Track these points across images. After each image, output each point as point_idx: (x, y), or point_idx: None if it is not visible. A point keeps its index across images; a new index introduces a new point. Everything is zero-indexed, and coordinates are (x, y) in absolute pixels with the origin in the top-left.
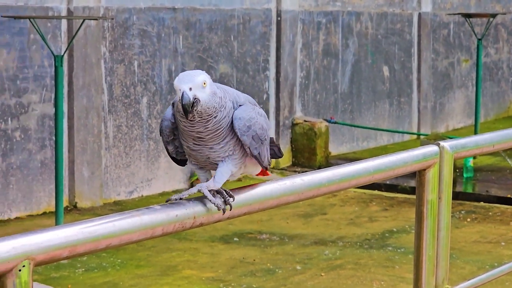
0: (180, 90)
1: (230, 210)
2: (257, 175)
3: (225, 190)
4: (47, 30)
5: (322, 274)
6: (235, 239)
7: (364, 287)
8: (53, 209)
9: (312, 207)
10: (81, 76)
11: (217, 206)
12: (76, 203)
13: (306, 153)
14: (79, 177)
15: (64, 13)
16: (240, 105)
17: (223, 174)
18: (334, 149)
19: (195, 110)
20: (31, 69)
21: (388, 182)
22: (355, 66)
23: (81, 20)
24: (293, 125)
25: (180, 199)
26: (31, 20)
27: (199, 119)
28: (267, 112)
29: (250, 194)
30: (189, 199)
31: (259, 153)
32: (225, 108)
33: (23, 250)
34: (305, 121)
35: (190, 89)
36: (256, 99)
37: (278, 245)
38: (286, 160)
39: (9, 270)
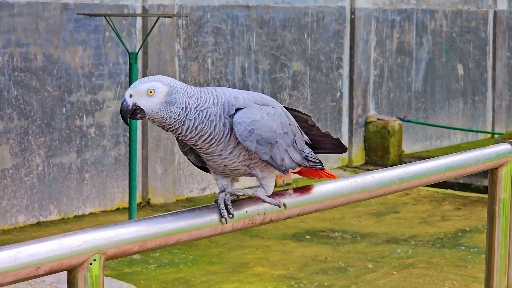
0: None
1: (226, 223)
2: (323, 177)
3: (226, 206)
4: (122, 28)
5: (394, 272)
6: (307, 237)
7: (436, 286)
8: (127, 205)
9: (384, 206)
10: (155, 73)
11: (277, 205)
12: (149, 199)
13: (379, 152)
14: (152, 173)
15: (139, 10)
16: (238, 108)
17: (269, 185)
18: (408, 148)
19: (141, 118)
20: (106, 66)
21: (461, 181)
22: (429, 64)
23: (156, 18)
24: (367, 123)
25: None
26: (107, 17)
27: (168, 127)
28: (340, 110)
29: (320, 191)
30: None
31: (271, 157)
32: (199, 114)
33: (94, 244)
34: (378, 119)
35: (131, 96)
36: (329, 97)
37: (350, 243)
38: (359, 158)
39: (80, 263)
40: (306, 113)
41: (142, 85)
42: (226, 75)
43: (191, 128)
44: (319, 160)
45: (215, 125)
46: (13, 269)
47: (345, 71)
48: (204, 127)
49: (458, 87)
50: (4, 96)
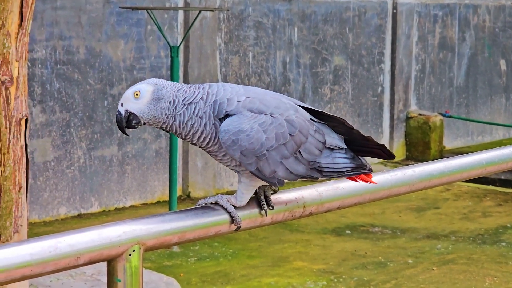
0: None
1: (266, 215)
2: (359, 180)
3: (266, 198)
4: (164, 21)
5: (434, 268)
6: (347, 231)
7: (476, 282)
8: (167, 198)
9: (425, 201)
10: (197, 67)
11: (234, 218)
12: (189, 192)
13: (420, 147)
14: (193, 167)
15: (181, 4)
16: (228, 114)
17: (243, 192)
18: (449, 143)
19: (137, 124)
20: (147, 59)
21: (502, 177)
22: (472, 60)
23: (198, 11)
24: (408, 118)
25: (205, 204)
26: (149, 11)
27: (164, 126)
28: (381, 105)
29: (360, 184)
30: (299, 188)
31: (258, 169)
32: (187, 108)
33: (133, 235)
34: (419, 114)
35: (122, 105)
36: (370, 92)
37: (390, 238)
38: (400, 153)
39: (119, 254)
40: (340, 117)
41: (128, 90)
42: (267, 69)
43: (183, 125)
44: (352, 167)
45: (205, 124)
46: (53, 258)
47: (387, 66)
48: (194, 124)
49: (501, 83)
50: (46, 88)
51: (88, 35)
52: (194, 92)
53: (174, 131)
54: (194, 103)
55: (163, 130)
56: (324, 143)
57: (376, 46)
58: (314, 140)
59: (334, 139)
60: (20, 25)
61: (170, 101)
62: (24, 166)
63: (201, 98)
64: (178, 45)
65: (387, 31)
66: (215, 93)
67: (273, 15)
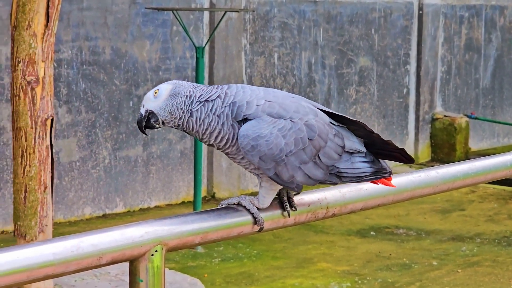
0: None
1: (289, 216)
2: (378, 183)
3: (289, 199)
4: (190, 22)
5: (459, 270)
6: (372, 233)
7: (501, 285)
8: (192, 199)
9: (450, 203)
10: (222, 68)
11: (257, 220)
12: (214, 193)
13: (446, 149)
14: (218, 167)
15: (206, 5)
16: (246, 117)
17: (265, 196)
18: (474, 145)
19: (156, 122)
20: (173, 60)
21: None
22: (498, 61)
23: (223, 12)
24: (433, 120)
25: (228, 205)
26: (174, 12)
27: (180, 127)
28: (406, 107)
29: (383, 186)
30: (322, 189)
31: (276, 174)
32: (204, 105)
33: (155, 235)
34: (445, 116)
35: (143, 106)
36: (396, 94)
37: (414, 240)
38: (425, 155)
39: (142, 254)
40: (361, 121)
41: (149, 92)
42: (293, 70)
43: (199, 121)
44: (372, 171)
45: (223, 123)
46: (76, 258)
47: (412, 67)
48: (211, 122)
49: None
50: (72, 89)
51: (114, 36)
52: (211, 90)
53: (191, 128)
54: (211, 100)
55: (182, 130)
56: (343, 147)
57: (401, 47)
58: (333, 144)
59: (354, 143)
60: (46, 25)
61: (186, 96)
62: (49, 166)
63: (219, 96)
64: (203, 45)
65: (413, 32)
66: (233, 94)
67: (298, 16)
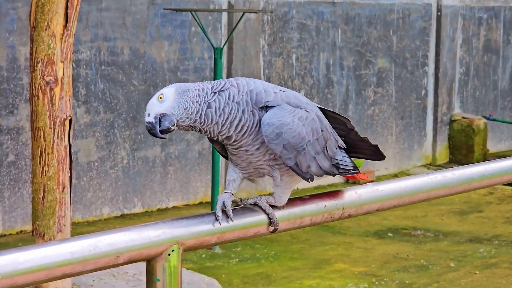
0: None
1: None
2: (356, 178)
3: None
4: (208, 23)
5: (476, 272)
6: (389, 234)
7: None
8: (210, 200)
9: (467, 205)
10: (240, 69)
11: (272, 220)
12: (240, 199)
13: (464, 150)
14: None
15: (225, 6)
16: (268, 105)
17: (281, 195)
18: (493, 147)
19: (172, 124)
20: (191, 61)
21: None
22: None
23: (241, 13)
24: (451, 121)
25: (244, 205)
26: (193, 13)
27: (198, 124)
28: (424, 108)
29: (400, 186)
30: (338, 190)
31: (296, 164)
32: (220, 94)
33: (172, 235)
34: (463, 117)
35: (149, 115)
36: (414, 95)
37: (432, 241)
38: (443, 156)
39: (158, 254)
40: (345, 116)
41: (151, 99)
42: (311, 71)
43: (219, 111)
44: (353, 166)
45: (243, 110)
46: (93, 257)
47: (431, 68)
48: (231, 109)
49: None
50: (91, 89)
51: (132, 37)
52: (221, 83)
53: (210, 120)
54: (227, 89)
55: (197, 127)
56: (338, 141)
57: (420, 49)
58: (333, 138)
59: (340, 139)
60: (65, 26)
61: (198, 89)
62: (67, 166)
63: (232, 85)
64: (221, 46)
65: (431, 33)
66: (246, 84)
67: (317, 17)
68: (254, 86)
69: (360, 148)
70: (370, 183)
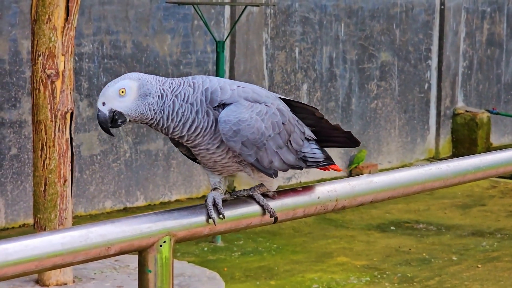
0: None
1: (215, 224)
2: (325, 169)
3: (217, 205)
4: (211, 16)
5: (479, 265)
6: (392, 227)
7: None
8: None
9: (470, 198)
10: (243, 62)
11: (267, 210)
12: (234, 187)
13: (467, 144)
14: None
15: None
16: (224, 103)
17: (270, 180)
18: (496, 140)
19: (123, 123)
20: (194, 54)
21: None
22: None
23: (244, 6)
24: (454, 115)
25: (237, 196)
26: (195, 6)
27: (152, 126)
28: (427, 102)
29: (394, 178)
30: (332, 182)
31: (257, 160)
32: (184, 100)
33: (164, 226)
34: (466, 111)
35: (104, 104)
36: (417, 89)
37: (434, 235)
38: (446, 150)
39: (150, 245)
40: (313, 106)
41: (110, 88)
42: (314, 64)
43: (172, 115)
44: (324, 157)
45: (197, 111)
46: (84, 248)
47: (434, 62)
48: (184, 111)
49: None
50: (93, 83)
51: (135, 30)
52: (180, 83)
53: (161, 125)
54: (183, 90)
55: (147, 125)
56: (304, 133)
57: (423, 42)
58: (298, 130)
59: (308, 130)
60: (66, 19)
61: (159, 96)
62: (69, 159)
63: (189, 85)
64: (224, 40)
65: (435, 27)
66: (201, 83)
67: (320, 10)
68: (209, 84)
69: (333, 136)
70: (364, 174)
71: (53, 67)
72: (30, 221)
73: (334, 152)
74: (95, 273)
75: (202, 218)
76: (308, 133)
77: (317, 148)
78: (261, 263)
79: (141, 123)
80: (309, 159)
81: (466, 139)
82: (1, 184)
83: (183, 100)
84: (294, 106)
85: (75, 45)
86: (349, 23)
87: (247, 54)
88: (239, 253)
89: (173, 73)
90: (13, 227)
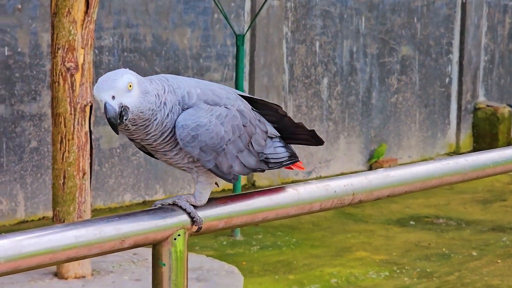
0: (101, 101)
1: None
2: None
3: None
4: (231, 10)
5: (499, 261)
6: (411, 222)
7: None
8: (231, 186)
9: (491, 193)
10: (263, 56)
11: (195, 219)
12: (254, 181)
13: (488, 139)
14: None
15: None
16: (187, 107)
17: (202, 192)
18: None
19: (126, 120)
20: (214, 48)
21: None
22: None
23: (264, 0)
24: (475, 109)
25: (162, 205)
26: (215, 0)
27: (134, 127)
28: (448, 96)
29: (411, 172)
30: (349, 176)
31: (216, 166)
32: (165, 104)
33: (178, 219)
34: (487, 106)
35: (113, 97)
36: (438, 83)
37: (454, 230)
38: (467, 145)
39: (164, 238)
40: (275, 103)
41: (119, 80)
42: (334, 58)
43: (159, 123)
44: (288, 155)
45: (171, 118)
46: (98, 241)
47: (455, 56)
48: (168, 122)
49: None
50: None
51: (155, 23)
52: (163, 87)
53: (146, 131)
54: (167, 98)
55: (124, 130)
56: (266, 132)
57: (444, 36)
58: (260, 131)
59: (271, 128)
60: (86, 12)
61: (155, 95)
62: (88, 152)
63: (170, 91)
64: (244, 33)
65: (456, 21)
66: (177, 88)
67: (340, 4)
68: (182, 90)
69: (297, 134)
70: (381, 168)
71: (72, 60)
72: (50, 214)
73: (354, 147)
74: (113, 266)
75: (217, 211)
76: (271, 130)
77: (281, 146)
78: (279, 257)
79: (132, 124)
80: (272, 160)
81: (487, 134)
82: (21, 177)
83: (170, 110)
84: (256, 103)
85: (95, 38)
86: (370, 17)
87: (267, 48)
88: (258, 247)
89: (192, 66)
90: (32, 220)
